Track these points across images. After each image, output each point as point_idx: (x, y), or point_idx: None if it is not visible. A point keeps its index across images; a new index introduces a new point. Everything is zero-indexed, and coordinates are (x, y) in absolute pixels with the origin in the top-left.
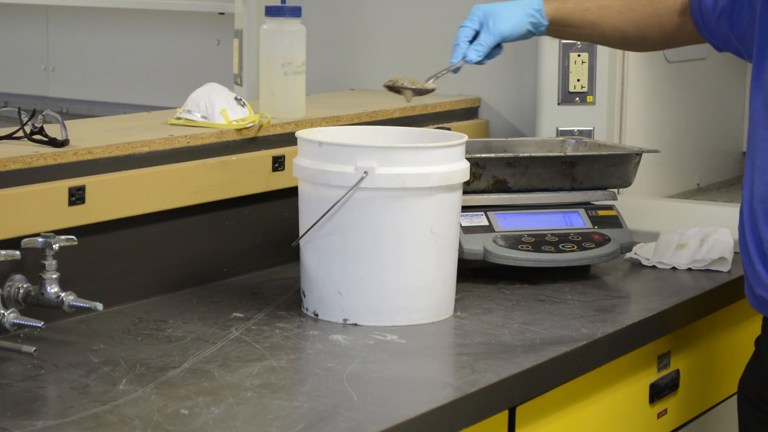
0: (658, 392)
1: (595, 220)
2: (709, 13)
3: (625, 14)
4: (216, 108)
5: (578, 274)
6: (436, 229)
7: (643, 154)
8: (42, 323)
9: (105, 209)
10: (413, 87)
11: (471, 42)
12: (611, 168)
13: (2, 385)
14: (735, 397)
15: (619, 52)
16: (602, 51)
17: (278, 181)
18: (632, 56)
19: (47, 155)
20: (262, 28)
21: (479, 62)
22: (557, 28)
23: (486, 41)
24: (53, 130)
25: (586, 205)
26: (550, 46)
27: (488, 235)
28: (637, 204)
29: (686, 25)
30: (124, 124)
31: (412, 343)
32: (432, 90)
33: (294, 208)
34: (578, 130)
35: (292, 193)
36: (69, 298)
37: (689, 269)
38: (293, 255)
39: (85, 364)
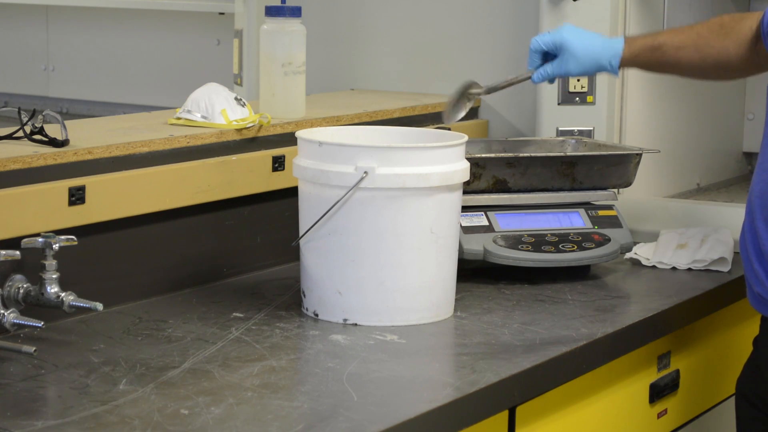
0: (658, 392)
1: (595, 220)
2: None
3: (704, 50)
4: (216, 108)
5: (578, 274)
6: (436, 229)
7: (643, 154)
8: (42, 323)
9: (105, 209)
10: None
11: (542, 54)
12: (611, 168)
13: (2, 385)
14: (734, 396)
15: None
16: None
17: (278, 181)
18: None
19: (47, 155)
20: (262, 28)
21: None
22: (634, 68)
23: (552, 72)
24: (53, 130)
25: (586, 205)
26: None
27: (488, 235)
28: (637, 204)
29: (762, 49)
30: (124, 124)
31: (412, 343)
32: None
33: (294, 208)
34: (578, 130)
35: (292, 193)
36: (69, 298)
37: (689, 269)
38: (293, 255)
39: (85, 364)
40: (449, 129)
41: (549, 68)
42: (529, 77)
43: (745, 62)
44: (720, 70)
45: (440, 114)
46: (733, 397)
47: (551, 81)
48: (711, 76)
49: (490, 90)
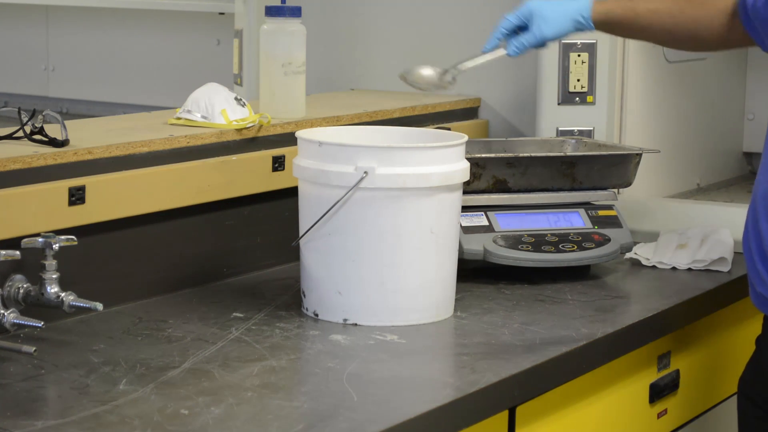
0: (658, 392)
1: (595, 220)
2: (759, 14)
3: (677, 17)
4: (216, 108)
5: (578, 274)
6: (436, 229)
7: (643, 154)
8: (42, 323)
9: (105, 209)
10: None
11: (510, 34)
12: (611, 168)
13: (2, 385)
14: (735, 396)
15: (618, 52)
16: (602, 51)
17: (278, 181)
18: (632, 56)
19: (47, 155)
20: (262, 28)
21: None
22: (605, 29)
23: (528, 41)
24: (53, 130)
25: (586, 205)
26: (551, 47)
27: (488, 235)
28: (637, 204)
29: (738, 26)
30: (124, 124)
31: (412, 343)
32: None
33: (294, 208)
34: (578, 130)
35: (292, 193)
36: (69, 298)
37: (689, 269)
38: (293, 255)
39: (85, 364)
40: (449, 129)
41: (523, 39)
42: (503, 53)
43: (718, 36)
44: (693, 40)
45: (440, 114)
46: (734, 397)
47: (560, 43)
48: (683, 45)
49: (463, 68)
